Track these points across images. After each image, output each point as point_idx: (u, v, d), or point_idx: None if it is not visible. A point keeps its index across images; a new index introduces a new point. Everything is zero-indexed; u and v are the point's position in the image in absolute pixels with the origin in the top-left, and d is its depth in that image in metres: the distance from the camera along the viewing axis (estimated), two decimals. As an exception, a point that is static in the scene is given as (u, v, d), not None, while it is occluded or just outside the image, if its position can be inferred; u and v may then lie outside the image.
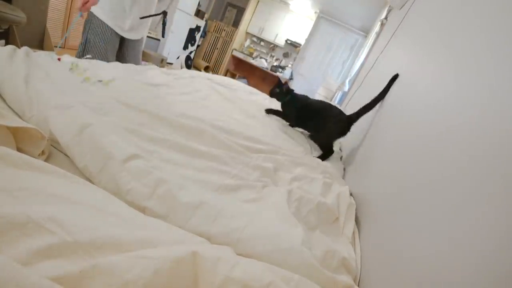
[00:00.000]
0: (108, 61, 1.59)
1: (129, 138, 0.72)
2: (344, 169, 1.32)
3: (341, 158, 1.49)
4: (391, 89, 1.25)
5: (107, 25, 1.56)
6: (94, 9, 1.51)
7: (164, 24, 1.78)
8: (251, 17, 5.98)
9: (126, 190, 0.57)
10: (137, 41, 1.79)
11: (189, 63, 5.40)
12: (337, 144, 1.63)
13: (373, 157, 1.07)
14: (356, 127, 1.34)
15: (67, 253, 0.37)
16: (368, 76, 2.26)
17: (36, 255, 0.35)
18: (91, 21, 1.54)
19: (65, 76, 0.93)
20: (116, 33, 1.63)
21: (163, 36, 1.81)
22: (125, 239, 0.41)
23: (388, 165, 0.88)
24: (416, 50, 1.24)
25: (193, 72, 1.90)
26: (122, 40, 1.71)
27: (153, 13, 1.74)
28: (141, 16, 1.66)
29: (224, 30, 6.12)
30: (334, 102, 3.70)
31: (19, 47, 0.92)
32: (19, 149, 0.55)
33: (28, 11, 2.08)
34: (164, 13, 1.76)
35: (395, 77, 1.23)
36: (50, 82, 0.83)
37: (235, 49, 5.99)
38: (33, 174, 0.47)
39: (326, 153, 1.31)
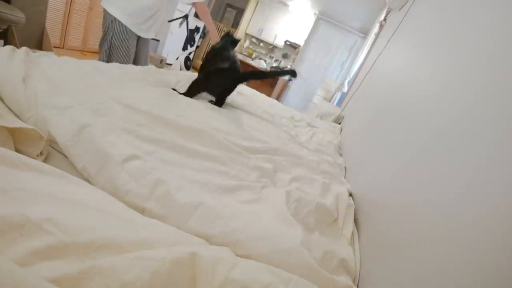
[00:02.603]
0: (130, 62, 1.64)
1: (128, 139, 0.72)
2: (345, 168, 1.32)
3: (340, 155, 1.50)
4: (390, 90, 1.25)
5: (128, 28, 1.58)
6: (115, 13, 1.53)
7: (187, 24, 2.09)
8: (250, 18, 5.99)
9: (124, 190, 0.56)
10: (147, 40, 1.83)
11: (188, 64, 5.39)
12: (335, 141, 1.65)
13: (372, 158, 1.07)
14: (355, 127, 1.34)
15: (65, 254, 0.36)
16: (367, 77, 2.27)
17: (34, 256, 0.35)
18: (114, 27, 1.55)
19: (64, 76, 0.93)
20: (135, 34, 1.65)
21: (188, 35, 2.17)
22: (123, 240, 0.41)
23: (387, 165, 0.88)
24: (415, 51, 1.24)
25: (193, 74, 1.91)
26: (137, 39, 1.73)
27: (163, 16, 1.78)
28: (168, 20, 1.80)
29: (224, 31, 6.12)
30: (333, 103, 3.71)
31: (18, 48, 0.92)
32: (17, 150, 0.55)
33: (27, 11, 2.08)
34: (186, 16, 2.05)
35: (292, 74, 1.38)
36: (49, 83, 0.83)
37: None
38: (32, 175, 0.47)
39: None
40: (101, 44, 1.61)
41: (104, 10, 1.55)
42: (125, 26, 1.56)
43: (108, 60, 1.59)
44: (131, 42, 1.64)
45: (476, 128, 0.52)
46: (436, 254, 0.46)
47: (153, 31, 1.79)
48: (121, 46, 1.60)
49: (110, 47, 1.58)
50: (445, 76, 0.78)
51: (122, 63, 1.45)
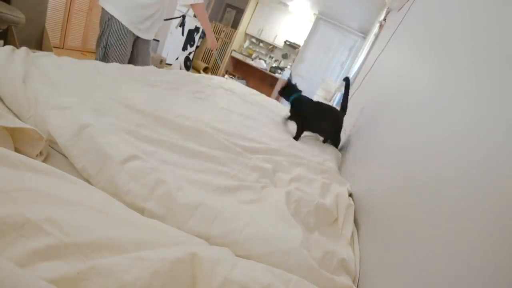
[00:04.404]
0: (126, 62, 1.62)
1: (127, 139, 0.72)
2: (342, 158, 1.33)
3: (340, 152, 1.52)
4: (390, 90, 1.25)
5: (126, 27, 1.57)
6: (113, 12, 1.52)
7: (183, 25, 2.14)
8: (250, 18, 5.99)
9: (124, 191, 0.56)
10: (147, 42, 1.80)
11: (188, 64, 5.40)
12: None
13: (372, 158, 1.07)
14: (355, 127, 1.34)
15: (64, 254, 0.36)
16: (367, 77, 2.27)
17: (34, 256, 0.35)
18: (111, 25, 1.54)
19: (64, 76, 0.93)
20: (133, 34, 1.63)
21: (183, 35, 2.30)
22: (123, 240, 0.41)
23: (387, 165, 0.88)
24: (414, 51, 1.24)
25: (192, 73, 1.91)
26: (135, 40, 1.72)
27: (164, 17, 1.78)
28: (164, 19, 1.81)
29: (223, 31, 6.12)
30: (333, 103, 3.71)
31: (17, 48, 0.92)
32: (17, 150, 0.55)
33: (27, 12, 2.08)
34: (183, 17, 2.11)
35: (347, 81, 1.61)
36: (49, 83, 0.83)
37: (234, 50, 6.00)
38: (31, 175, 0.46)
39: (338, 143, 1.59)
40: (98, 42, 1.59)
41: (102, 9, 1.54)
42: (122, 25, 1.55)
43: (104, 58, 1.57)
44: (128, 41, 1.62)
45: (478, 128, 0.52)
46: (436, 254, 0.46)
47: (153, 32, 1.76)
48: (117, 44, 1.58)
49: (106, 45, 1.56)
50: (445, 76, 0.78)
51: (118, 62, 1.44)
